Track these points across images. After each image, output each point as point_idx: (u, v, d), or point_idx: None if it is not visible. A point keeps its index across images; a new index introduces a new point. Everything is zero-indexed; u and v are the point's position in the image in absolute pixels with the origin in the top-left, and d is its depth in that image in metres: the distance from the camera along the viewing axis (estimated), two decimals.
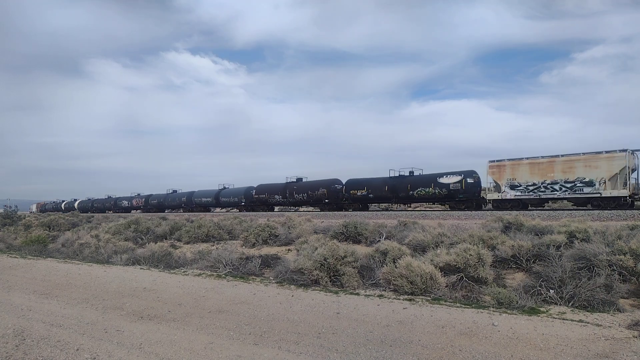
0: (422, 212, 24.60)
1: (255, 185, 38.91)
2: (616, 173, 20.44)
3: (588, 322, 6.21)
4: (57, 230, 25.19)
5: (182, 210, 45.48)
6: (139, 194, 54.45)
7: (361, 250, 11.52)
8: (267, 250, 13.88)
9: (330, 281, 9.35)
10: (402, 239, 11.90)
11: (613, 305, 6.81)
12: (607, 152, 21.05)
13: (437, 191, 26.47)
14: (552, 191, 22.31)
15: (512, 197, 23.46)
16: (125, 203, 55.41)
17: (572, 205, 23.62)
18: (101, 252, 15.34)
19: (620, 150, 20.73)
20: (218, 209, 42.54)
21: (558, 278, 7.58)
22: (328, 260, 9.53)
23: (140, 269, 12.61)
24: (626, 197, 20.13)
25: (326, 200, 32.47)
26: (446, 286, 8.28)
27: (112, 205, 57.38)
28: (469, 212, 22.09)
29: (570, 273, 7.67)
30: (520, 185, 23.27)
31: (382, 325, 6.40)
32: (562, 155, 22.37)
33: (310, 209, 35.34)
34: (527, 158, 23.51)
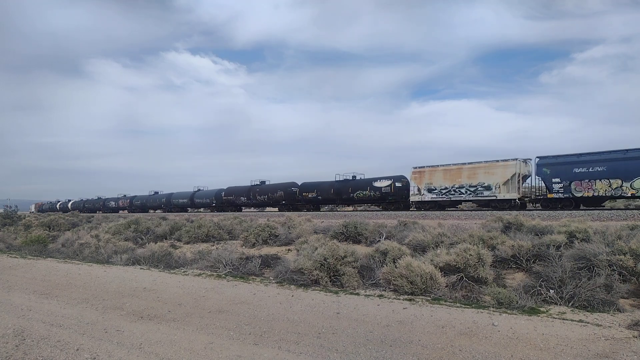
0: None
1: (225, 188, 42.51)
2: (508, 179, 23.73)
3: (588, 322, 6.21)
4: (57, 230, 25.19)
5: (161, 211, 48.16)
6: (125, 195, 57.34)
7: (361, 250, 11.52)
8: (267, 250, 13.88)
9: (330, 281, 9.36)
10: (402, 239, 11.90)
11: (613, 305, 6.81)
12: (502, 160, 24.37)
13: (372, 194, 30.06)
14: (460, 194, 25.70)
15: (429, 199, 26.81)
16: (112, 204, 58.40)
17: (476, 206, 26.78)
18: (101, 252, 15.34)
19: (512, 159, 23.93)
20: (193, 210, 46.02)
21: (558, 278, 7.58)
22: (328, 260, 9.53)
23: (140, 269, 12.61)
24: (516, 199, 23.54)
25: (283, 202, 36.10)
26: (446, 286, 8.28)
27: (101, 206, 60.24)
28: (469, 212, 22.43)
29: (570, 273, 7.67)
30: (436, 189, 26.64)
31: (382, 325, 6.40)
32: (469, 163, 25.67)
33: (270, 209, 39.02)
34: (442, 165, 26.82)
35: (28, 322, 7.03)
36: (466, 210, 24.84)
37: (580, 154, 22.09)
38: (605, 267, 7.72)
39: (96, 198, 63.68)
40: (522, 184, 24.00)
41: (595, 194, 21.18)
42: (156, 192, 51.87)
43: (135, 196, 54.86)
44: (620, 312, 6.68)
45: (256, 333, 6.18)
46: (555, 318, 6.48)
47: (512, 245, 9.61)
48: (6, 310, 7.89)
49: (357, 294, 8.57)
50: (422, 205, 27.09)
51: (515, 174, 23.64)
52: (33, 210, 78.06)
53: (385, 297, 8.16)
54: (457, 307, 7.33)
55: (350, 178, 32.42)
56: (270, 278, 10.42)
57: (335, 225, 15.29)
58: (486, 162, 24.98)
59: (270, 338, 5.95)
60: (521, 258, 9.25)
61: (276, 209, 36.95)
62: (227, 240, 16.95)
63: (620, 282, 7.44)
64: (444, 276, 8.47)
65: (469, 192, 25.34)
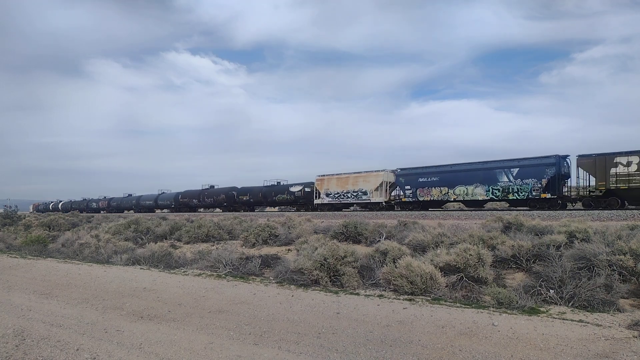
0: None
1: (182, 191, 49.17)
2: (378, 186, 29.45)
3: (588, 322, 6.21)
4: (57, 230, 25.19)
5: (133, 211, 54.12)
6: (105, 197, 63.50)
7: (361, 250, 11.52)
8: (267, 250, 13.88)
9: (330, 281, 9.36)
10: (402, 239, 11.90)
11: (613, 305, 6.81)
12: (375, 171, 30.13)
13: (288, 197, 36.43)
14: (347, 198, 31.34)
15: (327, 202, 32.48)
16: (94, 205, 63.80)
17: (359, 208, 31.92)
18: (101, 252, 15.34)
19: (382, 170, 29.60)
20: (158, 211, 51.25)
21: (558, 278, 7.58)
22: (328, 260, 9.53)
23: (140, 269, 12.61)
24: (383, 202, 29.23)
25: (225, 204, 42.43)
26: (446, 286, 8.28)
27: (85, 207, 65.12)
28: (469, 212, 22.60)
29: (570, 273, 7.67)
30: (331, 194, 32.34)
31: (382, 325, 6.40)
32: (354, 173, 31.58)
33: (218, 210, 44.74)
34: (336, 174, 32.55)
35: (28, 322, 7.03)
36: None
37: (424, 167, 27.93)
38: (605, 267, 7.72)
39: (81, 199, 69.44)
40: (391, 190, 29.78)
41: (432, 198, 26.79)
42: (130, 195, 59.18)
43: (113, 198, 61.30)
44: (620, 312, 6.68)
45: (256, 333, 6.18)
46: (555, 318, 6.48)
47: (512, 245, 9.62)
48: (6, 310, 7.89)
49: (357, 294, 8.57)
50: (323, 207, 32.54)
51: (383, 182, 29.40)
52: (31, 210, 79.59)
53: (385, 297, 8.16)
54: (457, 307, 7.33)
55: (275, 184, 38.95)
56: (270, 278, 10.42)
57: (335, 225, 15.29)
58: (365, 172, 30.80)
59: (270, 338, 5.95)
60: (521, 258, 9.25)
61: (220, 210, 43.58)
62: (227, 240, 16.95)
63: (620, 282, 7.44)
64: (444, 276, 8.47)
65: (353, 196, 31.01)
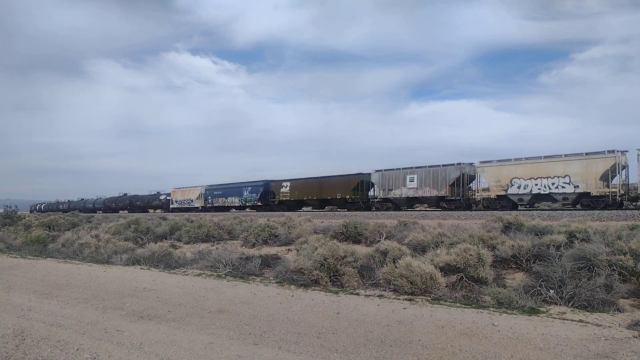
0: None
1: (138, 195, 57.28)
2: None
3: (588, 322, 6.21)
4: (57, 230, 25.18)
5: (101, 211, 59.86)
6: (82, 199, 71.15)
7: (361, 250, 11.52)
8: (267, 250, 13.88)
9: (330, 281, 9.36)
10: (402, 239, 11.89)
11: (613, 305, 6.81)
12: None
13: (160, 202, 48.19)
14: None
15: (176, 207, 44.54)
16: (60, 206, 71.22)
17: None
18: (101, 252, 15.34)
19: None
20: (93, 212, 58.18)
21: (558, 278, 7.58)
22: (328, 260, 9.53)
23: (140, 269, 12.61)
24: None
25: (127, 207, 52.93)
26: (446, 286, 8.28)
27: (67, 207, 70.11)
28: (470, 212, 22.62)
29: (570, 273, 7.66)
30: (179, 201, 45.62)
31: (382, 325, 6.40)
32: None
33: (125, 211, 52.55)
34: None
35: (28, 322, 7.03)
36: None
37: (218, 185, 44.09)
38: (605, 267, 7.72)
39: (66, 201, 75.83)
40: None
41: (223, 204, 42.46)
42: (99, 197, 67.44)
43: (87, 199, 69.55)
44: (620, 312, 6.68)
45: (256, 333, 6.18)
46: (555, 318, 6.48)
47: (512, 245, 9.61)
48: (6, 310, 7.89)
49: (357, 294, 8.57)
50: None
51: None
52: (29, 210, 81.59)
53: (385, 297, 8.16)
54: (457, 307, 7.33)
55: (155, 193, 50.38)
56: (270, 278, 10.41)
57: (335, 225, 15.28)
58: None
59: (270, 338, 5.95)
60: (521, 258, 9.25)
61: (126, 211, 51.94)
62: (227, 240, 16.95)
63: (620, 282, 7.44)
64: (444, 276, 8.47)
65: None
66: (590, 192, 21.12)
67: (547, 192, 22.57)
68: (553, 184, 22.39)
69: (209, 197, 43.78)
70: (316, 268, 9.45)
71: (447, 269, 8.66)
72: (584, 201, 21.53)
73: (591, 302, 6.97)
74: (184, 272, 11.74)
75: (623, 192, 20.86)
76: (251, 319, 6.89)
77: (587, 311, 6.77)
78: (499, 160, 24.66)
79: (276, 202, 37.11)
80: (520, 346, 5.35)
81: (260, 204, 38.64)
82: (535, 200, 23.54)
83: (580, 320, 6.32)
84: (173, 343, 5.80)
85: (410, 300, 7.88)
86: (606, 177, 20.89)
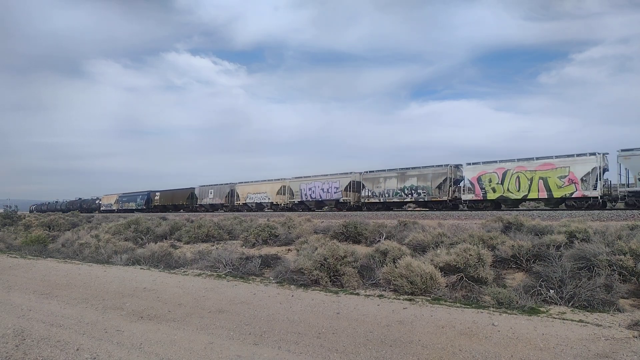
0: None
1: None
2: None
3: (588, 322, 6.21)
4: (57, 230, 25.18)
5: (79, 211, 63.70)
6: (65, 200, 77.58)
7: (361, 250, 11.52)
8: (267, 250, 13.88)
9: (330, 281, 9.35)
10: (402, 239, 11.89)
11: (613, 305, 6.81)
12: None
13: (94, 206, 57.14)
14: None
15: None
16: (53, 206, 76.58)
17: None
18: (101, 252, 15.34)
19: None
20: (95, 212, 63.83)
21: (558, 278, 7.58)
22: (328, 260, 9.53)
23: (140, 269, 12.61)
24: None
25: (78, 209, 60.94)
26: (446, 286, 8.28)
27: (47, 208, 77.24)
28: (470, 212, 22.51)
29: (570, 273, 7.66)
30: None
31: (382, 325, 6.39)
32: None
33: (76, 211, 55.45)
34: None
35: (28, 322, 7.03)
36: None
37: (126, 193, 56.26)
38: (605, 267, 7.72)
39: (54, 202, 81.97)
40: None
41: (128, 207, 52.33)
42: (79, 198, 74.50)
43: (62, 201, 77.24)
44: (620, 312, 6.68)
45: (256, 333, 6.18)
46: (555, 318, 6.48)
47: (512, 245, 9.61)
48: (6, 310, 7.89)
49: (357, 294, 8.57)
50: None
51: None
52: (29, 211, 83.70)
53: (385, 297, 8.16)
54: (457, 307, 7.32)
55: (90, 199, 60.51)
56: (270, 278, 10.41)
57: (335, 225, 15.27)
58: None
59: (270, 338, 5.95)
60: (521, 258, 9.24)
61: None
62: (227, 241, 16.94)
63: (620, 282, 7.44)
64: (444, 276, 8.47)
65: (135, 204, 51.55)
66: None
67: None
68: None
69: (121, 202, 58.26)
70: (316, 268, 9.45)
71: (447, 269, 8.65)
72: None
73: (591, 302, 6.97)
74: (184, 272, 11.74)
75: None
76: (251, 319, 6.89)
77: (587, 311, 6.77)
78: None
79: (152, 206, 51.87)
80: (520, 346, 5.35)
81: (145, 207, 52.67)
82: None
83: (580, 320, 6.32)
84: (173, 343, 5.80)
85: (410, 300, 7.87)
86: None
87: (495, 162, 23.97)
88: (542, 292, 7.46)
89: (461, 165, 25.89)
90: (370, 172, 30.44)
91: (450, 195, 25.69)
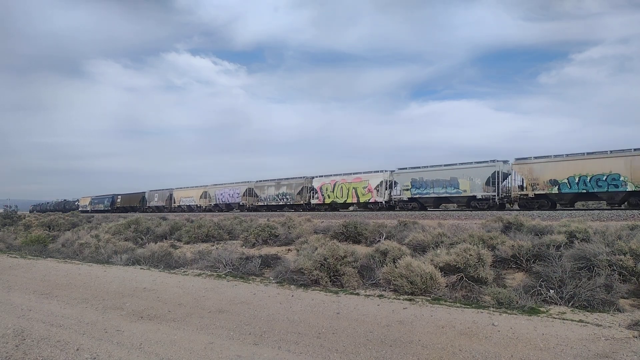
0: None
1: (80, 198, 72.14)
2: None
3: (588, 322, 6.22)
4: (57, 230, 25.18)
5: (61, 212, 65.65)
6: (47, 202, 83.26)
7: (361, 250, 11.52)
8: (267, 250, 13.88)
9: (330, 281, 9.35)
10: (402, 239, 11.89)
11: (613, 305, 6.81)
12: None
13: (136, 203, 53.90)
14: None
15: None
16: (45, 207, 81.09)
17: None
18: (101, 252, 15.33)
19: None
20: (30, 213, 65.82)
21: (558, 278, 7.58)
22: (328, 260, 9.53)
23: (140, 269, 12.61)
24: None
25: (49, 210, 68.10)
26: (446, 286, 8.28)
27: (40, 208, 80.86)
28: (470, 212, 22.56)
29: (570, 273, 7.66)
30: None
31: (382, 325, 6.40)
32: (189, 187, 48.49)
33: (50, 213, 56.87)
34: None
35: (28, 322, 7.03)
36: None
37: (99, 195, 62.50)
38: (605, 267, 7.72)
39: (46, 202, 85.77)
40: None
41: (100, 209, 57.80)
42: (65, 200, 78.61)
43: (49, 202, 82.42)
44: (620, 312, 6.68)
45: (256, 333, 6.18)
46: (555, 318, 6.48)
47: (512, 245, 9.61)
48: (6, 310, 7.89)
49: (357, 294, 8.57)
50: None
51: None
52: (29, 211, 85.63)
53: (385, 297, 8.16)
54: (457, 307, 7.33)
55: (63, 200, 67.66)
56: (270, 278, 10.41)
57: (335, 225, 15.27)
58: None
59: (270, 338, 5.95)
60: (521, 258, 9.25)
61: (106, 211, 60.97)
62: (227, 241, 16.94)
63: (620, 282, 7.44)
64: (444, 276, 8.47)
65: (103, 206, 56.94)
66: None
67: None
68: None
69: (93, 203, 63.62)
70: (316, 268, 9.45)
71: (447, 269, 8.65)
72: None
73: (591, 302, 6.97)
74: (184, 272, 11.74)
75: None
76: (251, 319, 6.89)
77: (587, 311, 6.77)
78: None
79: (115, 207, 56.71)
80: (520, 346, 5.35)
81: (110, 208, 57.90)
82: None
83: (580, 320, 6.32)
84: (173, 343, 5.80)
85: (410, 300, 7.87)
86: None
87: (330, 175, 32.24)
88: (542, 292, 7.46)
89: (315, 177, 33.74)
90: (259, 181, 39.45)
91: (307, 199, 33.80)
